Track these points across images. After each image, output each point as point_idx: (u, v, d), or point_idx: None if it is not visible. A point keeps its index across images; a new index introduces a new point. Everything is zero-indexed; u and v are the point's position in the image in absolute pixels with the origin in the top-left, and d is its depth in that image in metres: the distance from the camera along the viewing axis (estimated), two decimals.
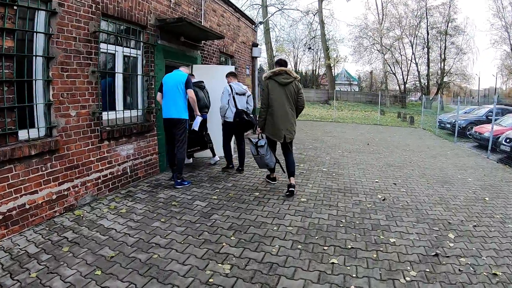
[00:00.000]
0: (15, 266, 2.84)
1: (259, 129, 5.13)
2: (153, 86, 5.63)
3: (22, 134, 3.67)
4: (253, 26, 11.28)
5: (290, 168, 5.06)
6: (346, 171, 6.63)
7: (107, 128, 4.69)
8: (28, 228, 3.60)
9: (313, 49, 45.36)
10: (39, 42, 3.85)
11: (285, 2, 40.76)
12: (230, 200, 4.62)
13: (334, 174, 6.32)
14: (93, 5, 4.38)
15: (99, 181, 4.60)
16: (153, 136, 5.68)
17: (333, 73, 41.92)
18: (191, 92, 5.22)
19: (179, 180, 5.25)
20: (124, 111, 5.16)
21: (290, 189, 4.92)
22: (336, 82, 47.26)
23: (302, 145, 9.66)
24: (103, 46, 4.67)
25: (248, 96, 6.12)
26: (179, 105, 5.17)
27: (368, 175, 6.39)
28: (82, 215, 4.01)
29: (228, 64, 9.32)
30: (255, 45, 11.27)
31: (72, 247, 3.22)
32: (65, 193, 4.12)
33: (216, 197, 4.71)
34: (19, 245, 3.21)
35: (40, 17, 3.86)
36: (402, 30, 38.49)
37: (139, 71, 5.50)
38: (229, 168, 6.35)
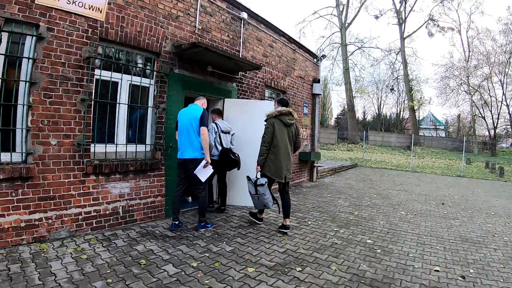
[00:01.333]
0: None
1: (258, 167, 4.96)
2: (163, 120, 5.15)
3: None
4: (315, 59, 10.29)
5: (286, 210, 5.02)
6: (399, 247, 4.59)
7: (94, 161, 4.26)
8: None
9: (395, 91, 42.03)
10: (23, 66, 3.77)
11: (364, 40, 39.19)
12: (211, 272, 3.52)
13: (378, 251, 4.39)
14: (89, 29, 4.16)
15: (80, 217, 4.14)
16: (159, 176, 5.09)
17: (417, 116, 38.47)
18: (204, 130, 4.60)
19: (202, 223, 4.84)
20: (127, 146, 4.74)
21: (284, 230, 4.94)
22: (421, 126, 43.18)
23: (358, 201, 7.77)
24: (102, 73, 4.38)
25: (232, 135, 5.99)
26: (195, 144, 4.62)
27: (428, 255, 4.34)
28: (45, 250, 3.65)
29: None
30: (316, 81, 10.14)
31: (3, 282, 2.96)
32: (36, 223, 3.80)
33: (195, 264, 3.66)
34: None
35: (27, 42, 3.76)
36: (490, 68, 33.14)
37: (150, 103, 5.10)
38: (209, 206, 5.85)
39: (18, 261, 3.38)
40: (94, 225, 4.28)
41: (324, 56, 10.66)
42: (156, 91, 5.06)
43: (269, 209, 5.42)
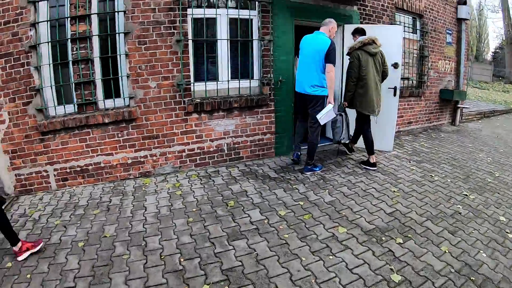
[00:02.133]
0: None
1: (345, 103, 4.70)
2: (270, 53, 4.71)
3: (101, 104, 4.01)
4: None
5: (370, 145, 4.72)
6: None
7: (196, 100, 4.30)
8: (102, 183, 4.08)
9: None
10: (119, 19, 3.93)
11: None
12: (297, 225, 3.28)
13: (510, 236, 3.18)
14: None
15: (183, 154, 4.36)
16: (267, 113, 4.82)
17: None
18: (330, 68, 4.07)
19: (308, 166, 4.44)
20: (230, 82, 4.56)
21: (367, 166, 4.72)
22: None
23: (504, 158, 5.92)
24: (195, 11, 4.23)
25: None
26: (314, 79, 4.18)
27: None
28: (147, 184, 4.01)
29: (415, 27, 7.05)
30: (462, 2, 7.71)
31: (101, 212, 3.39)
32: (142, 160, 4.18)
33: (283, 212, 3.41)
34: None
35: None
36: None
37: (255, 35, 4.69)
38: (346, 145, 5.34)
39: (121, 193, 3.78)
40: (198, 161, 4.46)
41: None
42: (259, 22, 4.62)
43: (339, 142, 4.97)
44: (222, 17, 4.43)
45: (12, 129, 3.68)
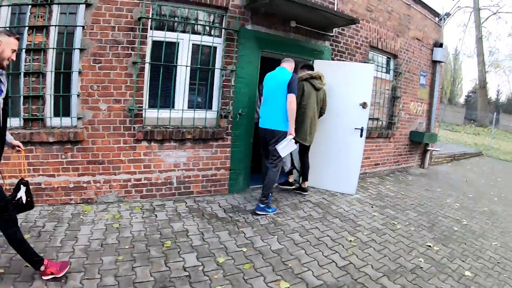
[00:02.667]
0: None
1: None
2: (231, 83, 4.51)
3: (48, 121, 3.74)
4: (437, 18, 7.92)
5: (305, 172, 5.06)
6: None
7: (146, 128, 4.02)
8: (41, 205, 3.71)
9: None
10: (77, 35, 3.68)
11: (500, 4, 31.51)
12: (234, 275, 3.02)
13: None
14: None
15: (129, 183, 4.00)
16: (223, 147, 4.55)
17: None
18: (292, 98, 3.97)
19: (262, 205, 4.10)
20: (185, 111, 4.30)
21: (300, 192, 5.08)
22: None
23: (473, 203, 5.86)
24: (156, 34, 4.01)
25: None
26: (280, 114, 4.07)
27: None
28: (86, 212, 3.67)
29: (389, 67, 7.01)
30: (438, 44, 7.84)
31: (31, 237, 3.05)
32: (84, 185, 3.82)
33: (222, 260, 3.17)
34: None
35: (79, 10, 3.67)
36: None
37: (217, 64, 4.48)
38: (288, 184, 5.24)
39: (57, 219, 3.43)
40: (144, 193, 4.11)
41: (448, 14, 7.97)
42: (223, 51, 4.42)
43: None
44: (184, 42, 4.23)
45: None
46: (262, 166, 4.68)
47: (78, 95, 3.68)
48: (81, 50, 3.63)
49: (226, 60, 4.44)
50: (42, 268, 2.39)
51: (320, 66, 5.20)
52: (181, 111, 4.26)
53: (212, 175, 4.54)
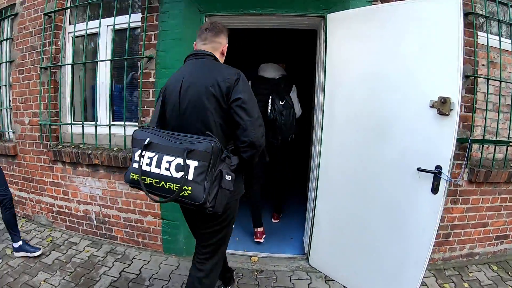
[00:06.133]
0: None
1: None
2: (152, 79, 2.64)
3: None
4: None
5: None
6: None
7: (58, 146, 3.10)
8: None
9: None
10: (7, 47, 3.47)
11: None
12: None
13: None
14: None
15: (53, 208, 3.30)
16: None
17: None
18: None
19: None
20: (111, 126, 2.93)
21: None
22: None
23: None
24: (78, 27, 2.98)
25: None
26: None
27: None
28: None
29: None
30: None
31: None
32: (23, 201, 3.53)
33: None
34: None
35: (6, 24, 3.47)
36: None
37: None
38: None
39: None
40: (68, 223, 3.24)
41: None
42: (142, 30, 2.65)
43: None
44: (103, 30, 2.85)
45: None
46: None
47: (11, 109, 3.39)
48: (10, 62, 3.31)
49: (145, 43, 2.61)
50: None
51: (340, 26, 2.21)
52: (106, 126, 2.94)
53: (136, 221, 2.90)
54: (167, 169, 1.37)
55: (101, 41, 2.92)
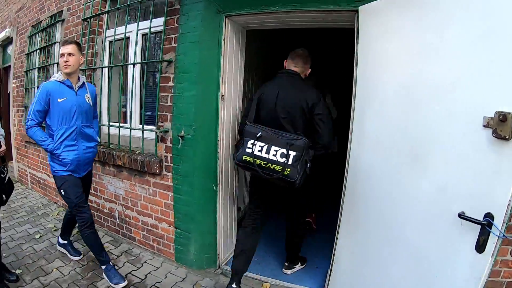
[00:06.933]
0: None
1: None
2: (170, 84, 2.54)
3: None
4: None
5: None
6: None
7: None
8: None
9: None
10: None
11: None
12: None
13: None
14: None
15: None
16: (163, 189, 2.70)
17: None
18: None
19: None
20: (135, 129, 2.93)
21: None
22: None
23: None
24: (111, 32, 3.07)
25: None
26: None
27: None
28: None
29: None
30: None
31: None
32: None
33: None
34: None
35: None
36: None
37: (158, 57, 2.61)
38: None
39: None
40: (96, 218, 3.30)
41: None
42: (164, 34, 2.57)
43: None
44: (134, 34, 2.89)
45: None
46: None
47: None
48: (58, 64, 3.50)
49: (165, 47, 2.56)
50: None
51: (373, 20, 1.85)
52: (139, 130, 2.91)
53: (152, 226, 2.85)
54: (274, 155, 1.93)
55: (131, 45, 2.93)
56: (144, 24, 2.77)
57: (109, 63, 3.14)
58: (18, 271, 2.46)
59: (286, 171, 1.89)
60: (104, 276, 2.43)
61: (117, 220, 3.13)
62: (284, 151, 1.91)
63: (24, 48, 4.36)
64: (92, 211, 3.23)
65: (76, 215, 2.34)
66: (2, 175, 2.24)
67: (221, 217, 2.63)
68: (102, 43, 3.17)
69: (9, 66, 5.01)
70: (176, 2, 2.45)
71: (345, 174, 2.07)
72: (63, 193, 2.33)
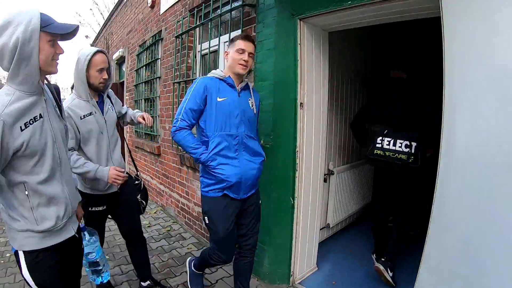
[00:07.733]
0: None
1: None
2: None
3: None
4: None
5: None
6: None
7: (183, 152, 3.44)
8: None
9: None
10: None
11: None
12: None
13: None
14: None
15: (179, 204, 3.74)
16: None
17: None
18: None
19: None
20: None
21: None
22: None
23: None
24: (204, 46, 3.24)
25: None
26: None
27: None
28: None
29: None
30: None
31: None
32: (158, 191, 4.12)
33: None
34: None
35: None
36: None
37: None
38: None
39: None
40: (186, 219, 3.60)
41: None
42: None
43: None
44: (221, 47, 2.98)
45: None
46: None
47: (158, 116, 3.97)
48: (159, 78, 3.90)
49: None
50: None
51: None
52: None
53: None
54: (400, 147, 2.35)
55: (220, 57, 3.01)
56: (227, 37, 2.83)
57: (200, 75, 3.32)
58: None
59: (411, 159, 2.30)
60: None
61: (204, 224, 3.26)
62: (407, 143, 2.33)
63: (134, 65, 4.97)
64: (184, 212, 3.48)
65: (212, 254, 1.98)
66: (137, 182, 2.19)
67: (298, 233, 2.50)
68: (195, 57, 3.36)
69: (123, 81, 5.78)
70: (252, 11, 2.43)
71: (434, 196, 1.68)
72: (207, 221, 1.94)
